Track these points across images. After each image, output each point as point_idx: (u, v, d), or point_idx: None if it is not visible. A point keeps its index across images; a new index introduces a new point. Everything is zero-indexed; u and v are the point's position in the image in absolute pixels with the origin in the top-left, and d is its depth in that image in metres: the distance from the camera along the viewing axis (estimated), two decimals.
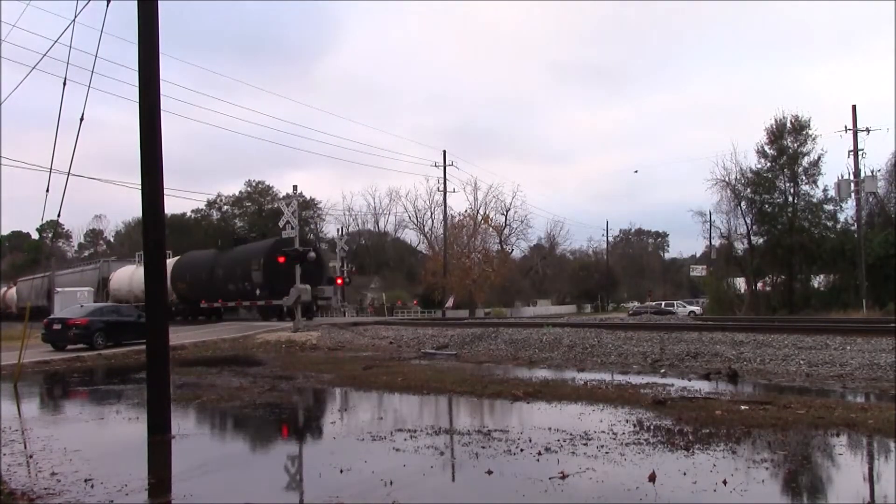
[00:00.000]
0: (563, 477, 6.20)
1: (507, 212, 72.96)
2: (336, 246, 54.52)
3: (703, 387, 12.21)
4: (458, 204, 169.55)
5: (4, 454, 7.64)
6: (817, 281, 46.70)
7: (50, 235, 72.76)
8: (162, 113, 8.82)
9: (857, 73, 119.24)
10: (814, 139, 44.42)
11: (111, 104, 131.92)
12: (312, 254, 29.36)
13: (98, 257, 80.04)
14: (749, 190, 47.00)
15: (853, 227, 42.61)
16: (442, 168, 58.75)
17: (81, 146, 9.49)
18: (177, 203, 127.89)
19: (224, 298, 37.76)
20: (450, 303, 58.60)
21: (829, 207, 44.93)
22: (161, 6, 8.86)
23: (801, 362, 14.40)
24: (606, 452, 7.17)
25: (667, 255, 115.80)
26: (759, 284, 48.71)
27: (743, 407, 9.56)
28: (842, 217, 45.09)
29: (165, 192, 8.87)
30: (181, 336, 25.23)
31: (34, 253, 77.47)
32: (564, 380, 13.42)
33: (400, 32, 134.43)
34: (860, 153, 40.98)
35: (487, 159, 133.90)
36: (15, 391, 13.64)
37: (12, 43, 56.85)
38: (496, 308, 65.21)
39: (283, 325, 31.84)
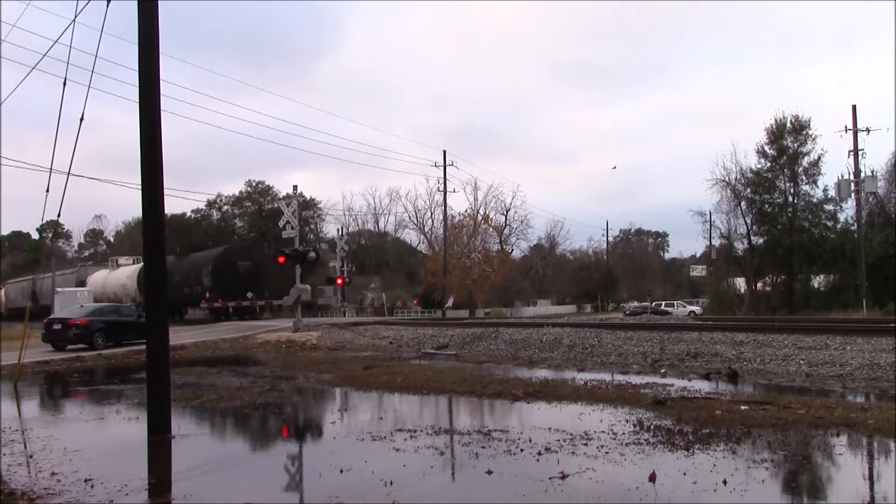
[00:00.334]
0: (563, 477, 6.20)
1: (507, 212, 73.03)
2: (336, 246, 54.64)
3: (703, 387, 12.21)
4: (458, 204, 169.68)
5: (4, 454, 7.64)
6: (817, 281, 46.71)
7: (50, 235, 72.81)
8: (162, 113, 8.83)
9: (857, 73, 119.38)
10: (814, 139, 44.49)
11: (111, 104, 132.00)
12: (312, 254, 29.39)
13: (98, 257, 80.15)
14: (749, 190, 47.01)
15: (853, 227, 42.61)
16: (442, 168, 58.83)
17: (81, 146, 9.50)
18: (177, 203, 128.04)
19: (181, 301, 40.24)
20: (450, 303, 58.60)
21: (829, 207, 44.99)
22: (161, 6, 8.86)
23: (801, 362, 14.40)
24: (606, 452, 7.17)
25: (667, 255, 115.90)
26: (759, 284, 48.72)
27: (743, 407, 9.56)
28: (842, 217, 45.19)
29: (165, 192, 8.88)
30: (181, 336, 25.24)
31: (34, 253, 77.47)
32: (564, 380, 13.42)
33: (400, 32, 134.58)
34: (860, 153, 41.02)
35: (487, 159, 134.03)
36: (15, 391, 13.64)
37: (12, 43, 56.87)
38: (496, 308, 65.21)
39: (283, 325, 31.88)
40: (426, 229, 78.86)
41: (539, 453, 7.17)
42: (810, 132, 44.36)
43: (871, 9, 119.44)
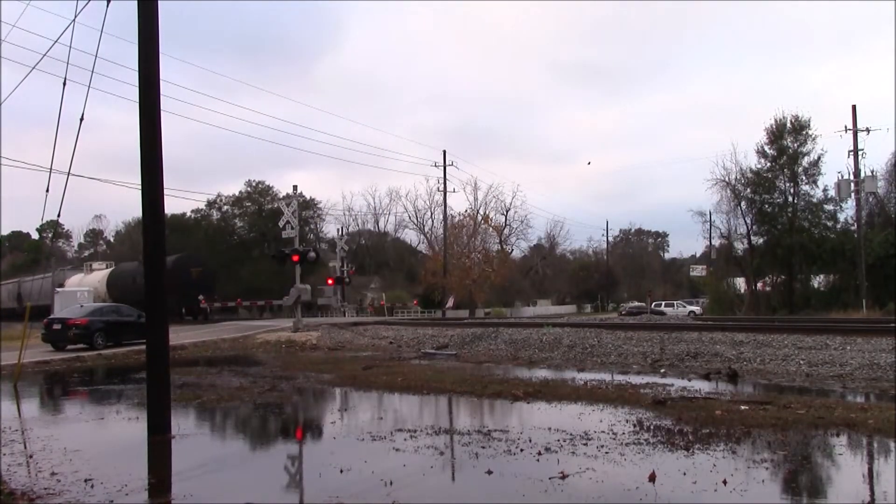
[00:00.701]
0: (563, 477, 6.20)
1: (507, 212, 73.04)
2: (336, 246, 54.63)
3: (703, 387, 12.22)
4: (458, 204, 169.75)
5: (4, 454, 7.64)
6: (817, 281, 46.73)
7: (50, 235, 72.78)
8: (162, 113, 8.83)
9: (857, 73, 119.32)
10: (814, 139, 44.52)
11: (111, 104, 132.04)
12: (313, 254, 29.42)
13: (98, 257, 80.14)
14: (749, 190, 47.02)
15: (853, 227, 42.63)
16: (442, 168, 58.86)
17: (81, 146, 9.51)
18: (177, 203, 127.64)
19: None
20: (450, 303, 58.61)
21: (829, 207, 45.02)
22: (161, 6, 8.86)
23: (801, 362, 14.40)
24: (606, 452, 7.17)
25: (667, 255, 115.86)
26: (759, 284, 48.73)
27: (743, 407, 9.56)
28: (842, 217, 45.22)
29: (165, 192, 8.88)
30: (181, 336, 25.24)
31: (34, 253, 77.43)
32: (564, 380, 13.42)
33: (400, 32, 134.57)
34: (860, 153, 41.03)
35: (487, 159, 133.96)
36: (15, 391, 13.64)
37: (12, 43, 56.84)
38: (496, 308, 65.21)
39: (283, 325, 31.89)
40: (426, 229, 78.96)
41: (539, 453, 7.17)
42: (810, 132, 44.43)
43: (871, 9, 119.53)
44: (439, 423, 9.28)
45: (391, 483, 6.10)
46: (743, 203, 47.74)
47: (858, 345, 15.14)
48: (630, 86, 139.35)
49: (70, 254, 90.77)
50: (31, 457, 7.58)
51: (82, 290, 42.01)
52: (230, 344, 24.51)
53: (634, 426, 8.53)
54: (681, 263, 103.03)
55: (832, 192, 43.51)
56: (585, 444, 7.56)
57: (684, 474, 6.22)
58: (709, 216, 55.70)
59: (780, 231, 44.98)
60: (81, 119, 9.40)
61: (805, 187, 45.10)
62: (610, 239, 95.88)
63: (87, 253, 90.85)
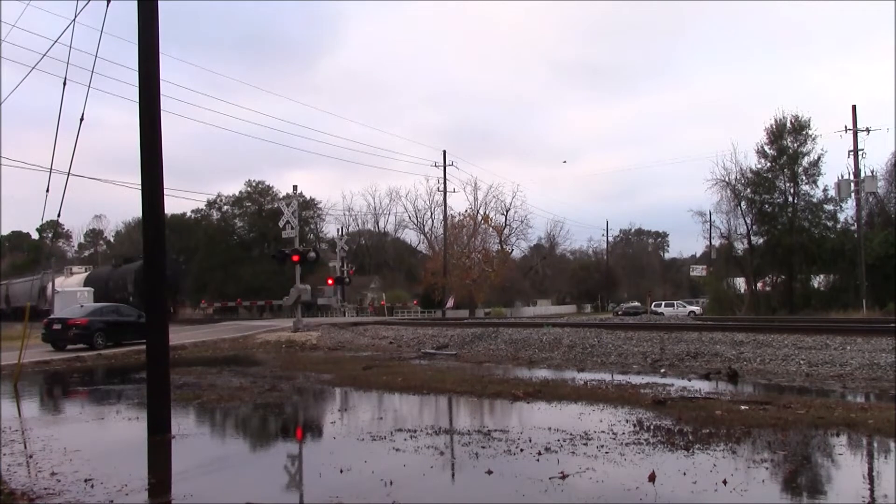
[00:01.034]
0: (563, 477, 6.19)
1: (507, 212, 73.01)
2: (336, 246, 54.63)
3: (703, 387, 12.22)
4: (458, 204, 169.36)
5: (4, 454, 7.64)
6: (817, 281, 46.73)
7: (50, 235, 72.79)
8: (162, 113, 8.83)
9: (857, 73, 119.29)
10: (814, 139, 44.55)
11: (111, 104, 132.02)
12: (313, 254, 29.43)
13: (98, 257, 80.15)
14: (749, 190, 47.04)
15: (853, 227, 42.63)
16: (442, 168, 58.86)
17: (81, 146, 9.50)
18: (177, 203, 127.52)
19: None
20: (450, 303, 58.61)
21: (829, 207, 45.05)
22: (161, 6, 8.86)
23: (801, 362, 14.40)
24: (606, 452, 7.16)
25: (667, 255, 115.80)
26: (759, 284, 48.75)
27: (743, 407, 9.56)
28: (842, 217, 45.25)
29: (165, 192, 8.87)
30: (181, 336, 25.25)
31: (34, 253, 77.40)
32: (564, 380, 13.42)
33: (400, 32, 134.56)
34: (860, 153, 41.04)
35: (487, 159, 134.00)
36: (15, 391, 13.63)
37: (12, 43, 56.87)
38: (496, 308, 65.20)
39: (283, 325, 31.90)
40: (426, 229, 78.94)
41: (539, 453, 7.17)
42: (810, 132, 44.46)
43: (871, 9, 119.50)
44: (439, 423, 9.28)
45: (391, 483, 6.09)
46: (743, 203, 47.77)
47: (858, 345, 15.14)
48: (630, 85, 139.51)
49: (70, 254, 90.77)
50: (31, 457, 7.57)
51: (82, 290, 42.36)
52: (230, 344, 24.51)
53: (634, 426, 8.53)
54: (681, 263, 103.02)
55: (832, 192, 43.53)
56: (585, 444, 7.55)
57: (684, 474, 6.22)
58: (709, 216, 55.79)
59: (780, 231, 44.98)
60: (81, 119, 9.40)
61: (805, 187, 45.16)
62: (610, 239, 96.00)
63: (87, 253, 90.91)
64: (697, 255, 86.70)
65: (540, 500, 5.61)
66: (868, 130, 41.45)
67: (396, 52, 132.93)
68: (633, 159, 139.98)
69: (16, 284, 51.80)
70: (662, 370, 14.89)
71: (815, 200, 45.06)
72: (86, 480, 6.37)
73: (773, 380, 13.12)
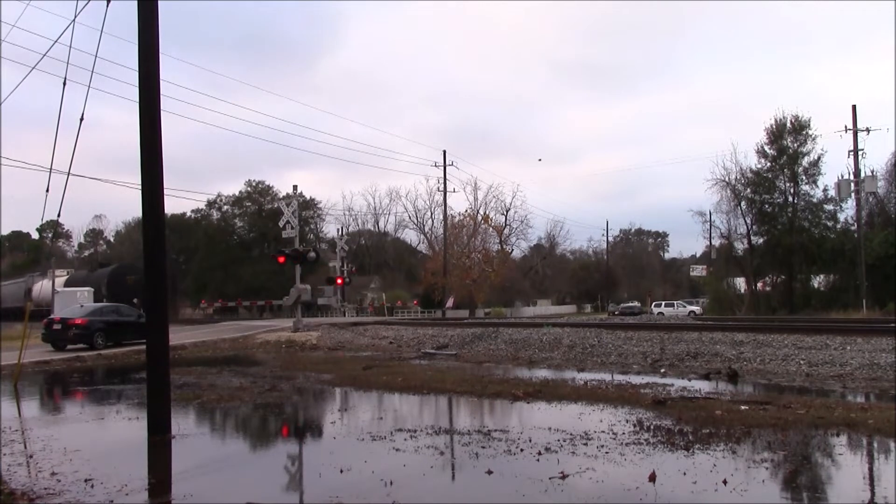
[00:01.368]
0: (563, 477, 6.19)
1: (507, 212, 73.00)
2: (336, 246, 54.64)
3: (703, 387, 12.22)
4: (458, 204, 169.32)
5: (4, 454, 7.64)
6: (817, 281, 46.73)
7: (50, 235, 72.77)
8: (162, 113, 8.83)
9: (857, 73, 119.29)
10: (814, 139, 44.57)
11: (111, 104, 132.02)
12: (313, 254, 29.43)
13: (98, 257, 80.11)
14: (749, 190, 47.05)
15: (853, 227, 42.62)
16: (442, 168, 58.85)
17: (81, 146, 9.50)
18: (177, 203, 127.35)
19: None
20: (450, 303, 58.61)
21: (829, 207, 45.06)
22: (161, 6, 8.86)
23: (801, 362, 14.40)
24: (606, 452, 7.16)
25: (667, 255, 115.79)
26: (759, 284, 48.75)
27: (743, 407, 9.56)
28: (842, 217, 45.26)
29: (165, 192, 8.87)
30: (181, 336, 25.26)
31: (34, 253, 77.38)
32: (564, 380, 13.42)
33: (400, 32, 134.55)
34: (860, 153, 41.04)
35: (487, 159, 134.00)
36: (15, 391, 13.63)
37: (12, 43, 56.89)
38: (496, 308, 65.20)
39: (283, 325, 31.90)
40: (426, 229, 78.93)
41: (539, 453, 7.17)
42: (810, 132, 44.48)
43: (871, 9, 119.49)
44: (439, 423, 9.28)
45: (391, 483, 6.09)
46: (743, 203, 47.77)
47: (858, 345, 15.14)
48: (630, 85, 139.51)
49: (70, 254, 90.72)
50: (31, 457, 7.57)
51: (82, 290, 42.70)
52: (230, 344, 24.51)
53: (634, 426, 8.53)
54: (681, 263, 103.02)
55: (832, 192, 43.54)
56: (585, 444, 7.55)
57: (684, 474, 6.22)
58: (709, 216, 55.81)
59: (780, 231, 44.99)
60: (81, 119, 9.40)
61: (805, 187, 45.19)
62: (610, 239, 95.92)
63: (87, 253, 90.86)
64: (697, 255, 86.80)
65: (540, 500, 5.61)
66: (868, 130, 41.49)
67: (396, 52, 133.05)
68: (633, 159, 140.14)
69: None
70: (662, 370, 14.89)
71: (815, 200, 45.09)
72: (86, 480, 6.37)
73: (773, 380, 13.12)
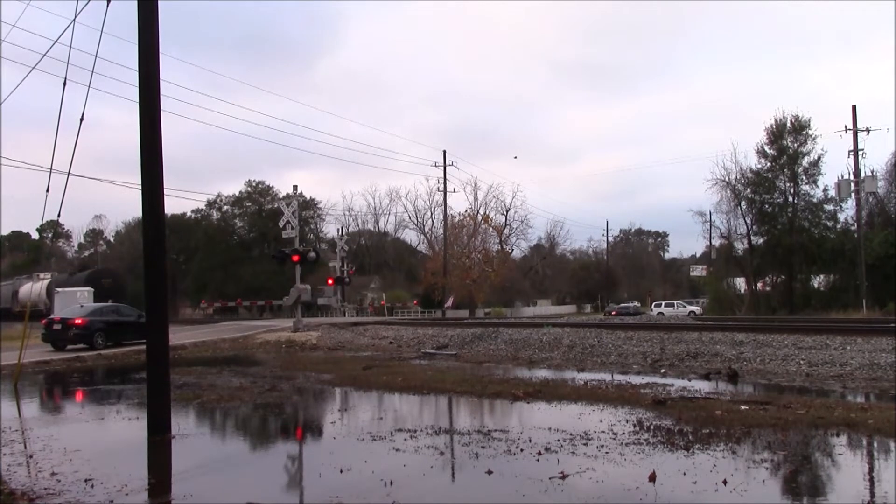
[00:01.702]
0: (563, 477, 6.19)
1: (507, 212, 73.00)
2: (336, 246, 54.64)
3: (703, 387, 12.22)
4: (458, 204, 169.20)
5: (4, 454, 7.64)
6: (817, 281, 46.71)
7: (50, 235, 72.81)
8: (162, 113, 8.83)
9: (857, 73, 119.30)
10: (814, 139, 44.53)
11: (111, 104, 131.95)
12: (313, 254, 29.43)
13: (98, 257, 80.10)
14: (749, 190, 47.02)
15: (853, 227, 42.61)
16: (442, 168, 58.88)
17: (81, 146, 9.51)
18: (177, 203, 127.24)
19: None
20: (449, 303, 58.60)
21: (829, 207, 45.03)
22: (161, 6, 8.86)
23: (801, 362, 14.40)
24: (606, 452, 7.16)
25: (667, 255, 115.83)
26: (759, 284, 48.73)
27: (743, 407, 9.56)
28: (842, 217, 45.23)
29: (165, 192, 8.87)
30: (181, 336, 25.26)
31: (34, 253, 77.38)
32: (564, 380, 13.42)
33: (400, 32, 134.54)
34: (860, 153, 41.03)
35: (487, 159, 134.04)
36: (15, 391, 13.63)
37: (12, 43, 56.85)
38: (496, 308, 65.20)
39: (283, 325, 31.90)
40: (426, 229, 78.94)
41: (539, 453, 7.16)
42: (810, 132, 44.44)
43: (871, 9, 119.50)
44: (439, 423, 9.28)
45: (391, 483, 6.09)
46: (743, 203, 47.75)
47: (858, 345, 15.14)
48: (630, 85, 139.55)
49: (70, 254, 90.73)
50: (31, 457, 7.57)
51: (82, 290, 42.95)
52: (230, 344, 24.50)
53: (634, 426, 8.53)
54: (681, 263, 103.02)
55: (832, 192, 43.52)
56: (585, 444, 7.55)
57: (684, 474, 6.22)
58: (709, 216, 55.77)
59: (780, 231, 44.97)
60: (81, 119, 9.41)
61: (805, 187, 45.15)
62: (610, 239, 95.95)
63: (87, 253, 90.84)
64: (697, 255, 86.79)
65: (540, 500, 5.61)
66: (868, 130, 41.48)
67: (396, 52, 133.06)
68: (633, 159, 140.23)
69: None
70: (662, 370, 14.89)
71: (815, 200, 45.06)
72: (86, 480, 6.37)
73: (773, 380, 13.12)
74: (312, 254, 29.29)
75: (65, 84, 9.84)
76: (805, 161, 44.62)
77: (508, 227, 73.70)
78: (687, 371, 14.60)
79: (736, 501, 5.54)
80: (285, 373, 15.58)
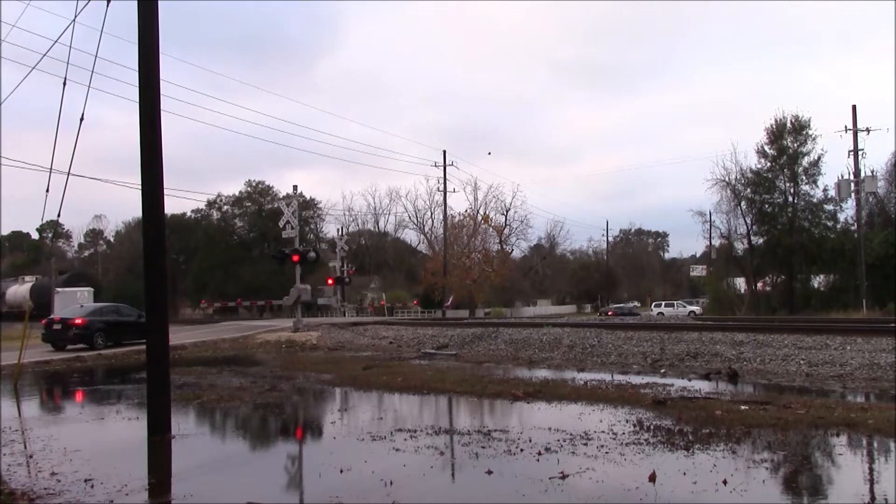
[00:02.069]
0: (563, 477, 6.19)
1: (507, 212, 72.97)
2: (336, 246, 54.63)
3: (703, 387, 12.22)
4: (458, 204, 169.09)
5: (4, 454, 7.64)
6: (817, 281, 46.70)
7: (50, 235, 72.83)
8: (162, 113, 8.82)
9: (857, 73, 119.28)
10: (814, 139, 44.52)
11: (111, 104, 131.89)
12: (313, 254, 29.43)
13: (98, 257, 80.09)
14: (749, 190, 47.01)
15: (853, 227, 42.61)
16: (442, 168, 58.87)
17: (81, 146, 9.50)
18: (177, 203, 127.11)
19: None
20: (449, 302, 58.59)
21: (829, 207, 45.03)
22: (161, 6, 8.86)
23: (801, 362, 14.40)
24: (606, 452, 7.16)
25: (667, 255, 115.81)
26: (759, 284, 48.73)
27: (743, 407, 9.56)
28: (842, 217, 45.23)
29: (165, 192, 8.87)
30: (181, 336, 25.26)
31: (34, 253, 77.40)
32: (564, 380, 13.42)
33: (400, 32, 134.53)
34: (860, 153, 41.03)
35: (487, 159, 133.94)
36: (15, 391, 13.63)
37: (12, 43, 56.82)
38: (496, 308, 65.19)
39: (283, 325, 31.90)
40: (426, 229, 78.91)
41: (539, 453, 7.16)
42: (810, 132, 44.43)
43: (871, 9, 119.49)
44: (439, 423, 9.28)
45: (391, 483, 6.09)
46: (743, 203, 47.74)
47: (858, 345, 15.14)
48: (630, 85, 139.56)
49: (70, 254, 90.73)
50: (31, 457, 7.57)
51: (83, 290, 43.08)
52: (230, 344, 24.50)
53: (634, 426, 8.52)
54: (681, 263, 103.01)
55: (832, 192, 43.52)
56: (585, 444, 7.55)
57: (684, 474, 6.22)
58: (709, 216, 55.77)
59: (780, 231, 44.96)
60: (81, 119, 9.40)
61: (805, 187, 45.14)
62: (610, 239, 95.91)
63: (87, 253, 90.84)
64: (697, 255, 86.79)
65: (540, 500, 5.61)
66: (868, 130, 41.48)
67: (396, 52, 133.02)
68: (633, 159, 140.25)
69: None
70: (662, 370, 14.89)
71: (815, 200, 45.06)
72: (86, 480, 6.37)
73: (773, 380, 13.12)
74: (312, 254, 29.28)
75: (65, 84, 9.83)
76: (805, 161, 44.63)
77: (508, 227, 73.75)
78: (687, 371, 14.60)
79: (736, 501, 5.54)
80: (285, 373, 15.58)
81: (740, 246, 50.04)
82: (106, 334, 22.98)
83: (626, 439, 7.76)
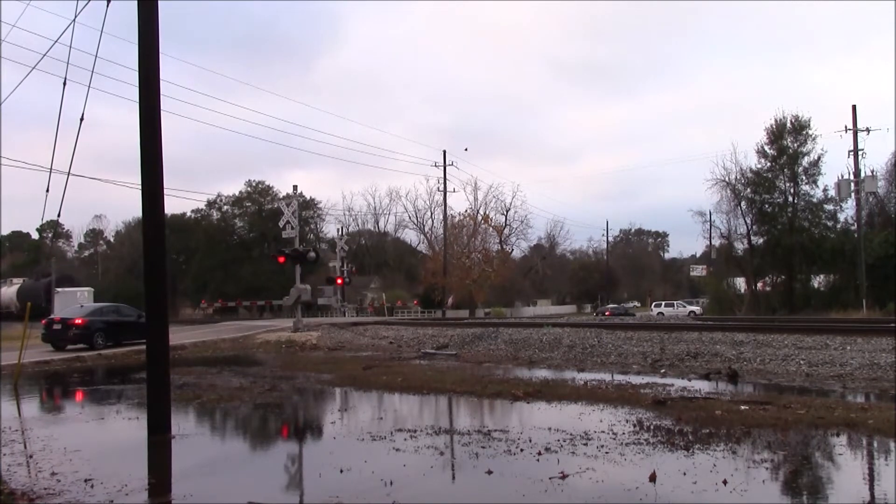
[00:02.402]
0: (563, 477, 6.19)
1: (507, 212, 73.02)
2: (336, 246, 54.64)
3: (703, 387, 12.21)
4: (458, 204, 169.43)
5: (4, 454, 7.64)
6: (817, 281, 46.69)
7: (50, 235, 72.79)
8: (162, 113, 8.82)
9: (858, 72, 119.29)
10: (814, 139, 44.49)
11: (111, 104, 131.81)
12: (313, 254, 29.43)
13: (98, 257, 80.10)
14: (749, 190, 47.01)
15: (853, 227, 42.60)
16: (442, 168, 58.87)
17: (81, 146, 9.49)
18: (177, 203, 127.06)
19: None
20: (449, 302, 58.59)
21: (829, 207, 44.99)
22: (161, 6, 8.86)
23: (801, 362, 14.40)
24: (606, 452, 7.16)
25: (667, 255, 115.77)
26: (759, 284, 48.71)
27: (743, 407, 9.56)
28: (842, 217, 45.19)
29: (165, 192, 8.87)
30: (181, 336, 25.24)
31: (34, 253, 77.33)
32: (564, 380, 13.42)
33: (400, 32, 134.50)
34: (860, 153, 41.01)
35: (487, 159, 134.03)
36: (15, 391, 13.63)
37: (12, 43, 56.79)
38: (496, 308, 65.18)
39: (283, 325, 31.90)
40: (426, 229, 78.92)
41: (539, 453, 7.17)
42: (810, 132, 44.40)
43: (872, 9, 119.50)
44: (439, 423, 9.28)
45: (391, 483, 6.10)
46: (743, 203, 47.74)
47: (858, 345, 15.14)
48: (631, 85, 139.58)
49: (70, 254, 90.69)
50: (31, 457, 7.58)
51: (82, 290, 43.03)
52: (230, 344, 24.50)
53: (634, 426, 8.53)
54: (681, 263, 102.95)
55: (832, 192, 43.49)
56: (585, 444, 7.55)
57: (684, 474, 6.22)
58: (709, 216, 55.76)
59: (780, 231, 44.95)
60: (81, 119, 9.39)
61: (805, 187, 45.11)
62: (610, 239, 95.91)
63: (87, 253, 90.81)
64: (697, 255, 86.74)
65: (540, 500, 5.61)
66: (868, 130, 41.46)
67: (396, 52, 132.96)
68: (633, 159, 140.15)
69: None
70: (662, 370, 14.89)
71: (815, 200, 45.04)
72: (86, 480, 6.37)
73: (773, 380, 13.12)
74: (312, 254, 29.27)
75: (65, 84, 9.82)
76: (805, 161, 44.62)
77: (508, 227, 73.80)
78: (687, 371, 14.59)
79: (736, 501, 5.54)
80: (285, 373, 15.58)
81: (740, 246, 50.09)
82: (106, 334, 22.96)
83: (626, 439, 7.76)
